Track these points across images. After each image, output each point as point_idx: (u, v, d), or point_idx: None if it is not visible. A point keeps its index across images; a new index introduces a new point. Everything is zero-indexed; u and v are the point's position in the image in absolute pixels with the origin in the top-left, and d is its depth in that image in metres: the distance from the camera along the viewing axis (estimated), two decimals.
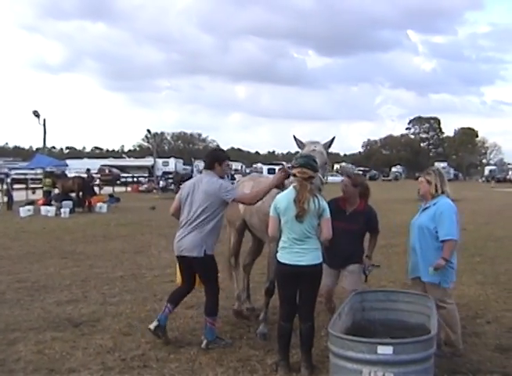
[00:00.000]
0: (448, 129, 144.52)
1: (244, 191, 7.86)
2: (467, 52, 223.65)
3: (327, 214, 6.17)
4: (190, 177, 51.27)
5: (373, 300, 6.46)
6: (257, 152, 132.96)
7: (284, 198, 6.22)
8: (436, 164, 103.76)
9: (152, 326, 7.15)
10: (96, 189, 37.89)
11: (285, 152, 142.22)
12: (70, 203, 27.63)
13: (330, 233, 6.16)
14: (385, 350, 4.51)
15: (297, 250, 6.11)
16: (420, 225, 6.76)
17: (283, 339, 6.31)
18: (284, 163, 35.85)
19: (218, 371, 6.25)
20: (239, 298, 8.72)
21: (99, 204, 29.21)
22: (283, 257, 6.19)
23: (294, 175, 6.22)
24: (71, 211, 26.84)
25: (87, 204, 29.13)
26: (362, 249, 7.37)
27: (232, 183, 7.28)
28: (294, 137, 7.09)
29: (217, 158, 7.31)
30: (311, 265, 6.11)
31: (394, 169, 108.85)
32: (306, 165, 6.14)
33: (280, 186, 6.82)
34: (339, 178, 33.93)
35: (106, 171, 64.12)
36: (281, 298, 6.47)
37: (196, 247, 7.03)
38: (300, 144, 7.00)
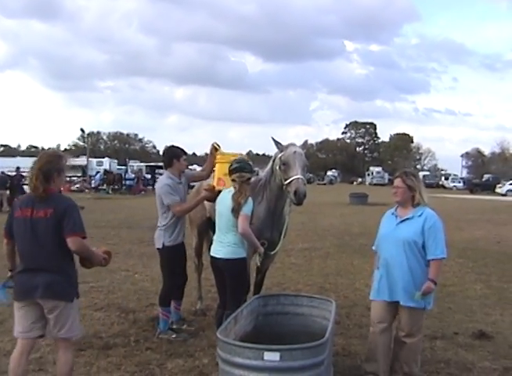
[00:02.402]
0: (384, 134, 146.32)
1: None
2: (400, 61, 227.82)
3: (245, 210, 6.26)
4: (121, 177, 51.01)
5: (276, 304, 6.37)
6: (194, 153, 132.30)
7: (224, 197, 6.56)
8: (371, 168, 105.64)
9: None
10: (27, 188, 37.16)
11: None
12: None
13: (241, 228, 6.24)
14: (272, 356, 4.39)
15: (219, 243, 6.49)
16: (407, 240, 5.75)
17: (218, 323, 6.36)
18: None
19: None
20: (201, 299, 8.94)
21: None
22: (212, 248, 6.65)
23: (234, 180, 6.44)
24: None
25: None
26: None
27: None
28: (273, 139, 7.03)
29: (174, 155, 7.54)
30: (224, 259, 6.36)
31: (329, 173, 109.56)
32: (242, 169, 6.42)
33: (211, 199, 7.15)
34: None
35: None
36: (216, 287, 6.93)
37: (157, 240, 7.45)
38: (279, 146, 6.97)
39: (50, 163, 5.08)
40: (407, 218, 5.86)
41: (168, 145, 7.85)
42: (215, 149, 7.47)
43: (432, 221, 5.73)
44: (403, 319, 5.89)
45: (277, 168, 6.82)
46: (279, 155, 6.84)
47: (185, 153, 7.64)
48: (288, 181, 6.59)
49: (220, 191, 6.89)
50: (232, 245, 6.34)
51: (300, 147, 6.94)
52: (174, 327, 7.61)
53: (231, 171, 6.46)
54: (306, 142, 7.21)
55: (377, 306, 6.06)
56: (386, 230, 6.06)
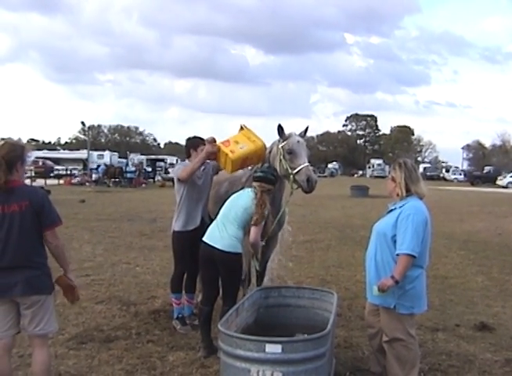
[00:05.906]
0: (385, 127, 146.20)
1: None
2: (400, 54, 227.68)
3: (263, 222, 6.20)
4: (121, 170, 50.93)
5: (278, 296, 6.35)
6: None
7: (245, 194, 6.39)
8: (372, 161, 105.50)
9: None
10: (28, 181, 37.13)
11: None
12: None
13: (254, 238, 6.18)
14: (273, 348, 4.38)
15: (219, 231, 6.21)
16: (378, 232, 5.45)
17: (203, 322, 6.46)
18: None
19: (115, 368, 6.06)
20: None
21: None
22: (208, 233, 6.33)
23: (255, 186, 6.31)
24: None
25: None
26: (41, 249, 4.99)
27: None
28: (280, 126, 6.87)
29: (191, 145, 7.52)
30: (222, 251, 6.10)
31: (330, 166, 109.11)
32: (265, 180, 6.30)
33: (211, 158, 7.07)
34: None
35: (40, 163, 62.80)
36: (201, 280, 6.76)
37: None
38: (282, 135, 6.88)
39: (14, 152, 4.82)
40: (391, 210, 5.50)
41: (189, 137, 7.74)
42: (241, 128, 7.36)
43: (407, 213, 5.21)
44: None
45: (281, 157, 6.74)
46: (281, 145, 6.76)
47: (204, 143, 7.51)
48: (297, 169, 6.57)
49: (219, 150, 6.90)
50: (233, 238, 6.12)
51: (300, 136, 6.90)
52: (187, 322, 7.57)
53: (254, 178, 6.39)
54: (307, 129, 7.10)
55: (366, 307, 5.86)
56: (377, 223, 5.69)
